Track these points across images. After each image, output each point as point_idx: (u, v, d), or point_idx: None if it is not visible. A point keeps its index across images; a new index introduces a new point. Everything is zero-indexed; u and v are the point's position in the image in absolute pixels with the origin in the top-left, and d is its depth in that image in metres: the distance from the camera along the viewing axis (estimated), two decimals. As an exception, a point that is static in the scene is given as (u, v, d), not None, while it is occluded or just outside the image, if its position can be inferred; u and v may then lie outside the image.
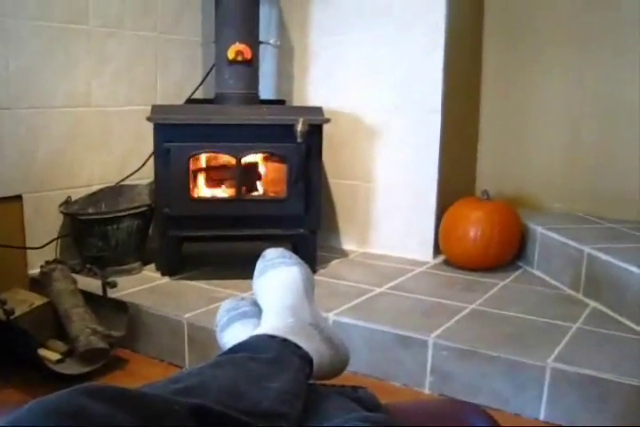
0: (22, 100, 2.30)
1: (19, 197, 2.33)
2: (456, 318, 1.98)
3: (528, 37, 2.81)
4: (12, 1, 2.23)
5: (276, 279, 1.10)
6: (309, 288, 1.11)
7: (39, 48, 2.34)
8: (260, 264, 1.16)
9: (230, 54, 2.39)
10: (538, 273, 2.47)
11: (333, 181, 2.84)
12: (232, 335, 1.08)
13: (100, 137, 2.59)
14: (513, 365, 1.70)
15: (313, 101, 2.78)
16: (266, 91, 2.79)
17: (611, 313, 2.02)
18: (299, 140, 2.22)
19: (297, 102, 2.86)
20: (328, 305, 2.04)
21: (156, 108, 2.35)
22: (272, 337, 0.96)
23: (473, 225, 2.44)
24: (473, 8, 2.85)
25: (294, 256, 1.16)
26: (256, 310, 1.11)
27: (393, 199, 2.70)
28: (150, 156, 2.48)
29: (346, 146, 2.77)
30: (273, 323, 1.01)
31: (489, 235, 2.42)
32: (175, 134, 2.27)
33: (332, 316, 1.98)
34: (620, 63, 2.63)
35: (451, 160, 2.68)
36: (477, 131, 2.98)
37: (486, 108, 2.96)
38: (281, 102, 2.72)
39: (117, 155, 2.67)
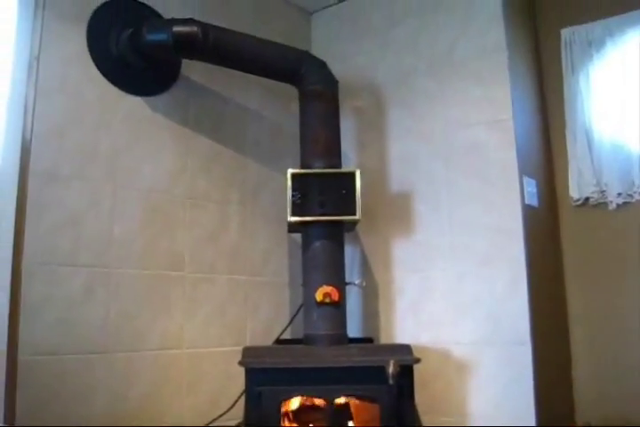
0: (118, 344, 2.40)
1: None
2: None
3: (608, 257, 2.83)
4: (118, 254, 2.43)
5: None
6: None
7: (138, 294, 2.49)
8: None
9: (318, 296, 2.49)
10: None
11: (425, 418, 2.74)
12: None
13: (190, 378, 2.63)
14: None
15: (400, 337, 2.81)
16: (353, 328, 2.82)
17: None
18: (390, 382, 2.21)
19: (384, 338, 2.89)
20: None
21: (247, 351, 2.40)
22: None
23: (580, 464, 2.30)
24: (549, 238, 2.92)
25: None
26: None
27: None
28: (240, 396, 2.48)
29: (436, 380, 2.73)
30: None
31: (598, 474, 2.27)
32: (267, 378, 2.30)
33: None
34: None
35: (547, 389, 2.59)
36: (570, 356, 2.89)
37: (576, 332, 2.90)
38: (369, 340, 2.74)
39: (206, 396, 2.67)
